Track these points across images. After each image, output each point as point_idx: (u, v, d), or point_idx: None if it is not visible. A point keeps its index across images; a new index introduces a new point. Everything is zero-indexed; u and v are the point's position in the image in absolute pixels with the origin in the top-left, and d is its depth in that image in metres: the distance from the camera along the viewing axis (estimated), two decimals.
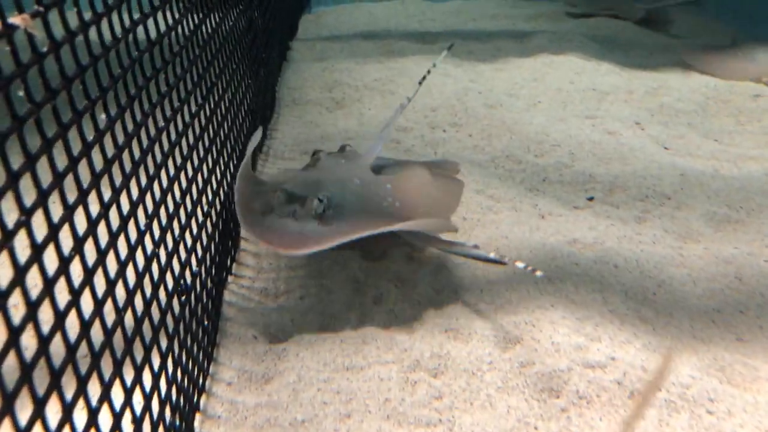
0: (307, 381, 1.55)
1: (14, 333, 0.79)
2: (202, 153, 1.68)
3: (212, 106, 1.84)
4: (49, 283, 0.87)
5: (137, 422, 1.10)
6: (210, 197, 1.75)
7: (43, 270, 0.87)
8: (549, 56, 3.69)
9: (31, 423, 0.82)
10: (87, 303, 0.99)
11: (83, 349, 0.98)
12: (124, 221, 1.12)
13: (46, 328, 0.87)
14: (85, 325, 0.97)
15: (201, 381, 1.49)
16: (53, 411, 0.88)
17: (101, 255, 1.02)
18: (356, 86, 3.38)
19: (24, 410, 0.82)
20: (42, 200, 0.87)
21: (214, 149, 1.81)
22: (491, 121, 2.93)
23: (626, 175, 2.50)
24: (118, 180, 1.11)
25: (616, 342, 1.63)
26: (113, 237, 1.07)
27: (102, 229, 1.05)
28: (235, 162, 2.10)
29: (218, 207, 1.84)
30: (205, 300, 1.59)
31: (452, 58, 3.72)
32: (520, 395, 1.49)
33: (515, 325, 1.69)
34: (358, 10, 4.70)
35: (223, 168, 1.95)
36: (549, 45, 3.88)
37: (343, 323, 1.76)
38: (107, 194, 1.08)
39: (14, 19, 0.92)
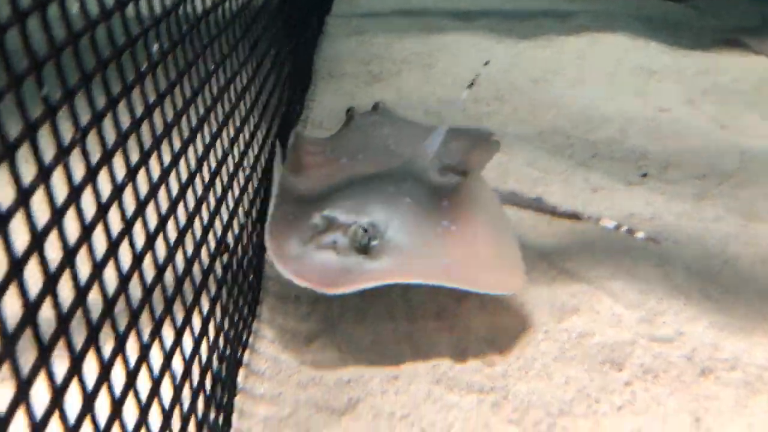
0: (352, 342, 1.47)
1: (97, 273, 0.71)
2: (247, 107, 1.60)
3: (255, 66, 1.76)
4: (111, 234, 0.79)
5: (187, 364, 1.03)
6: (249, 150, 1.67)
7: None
8: (593, 35, 3.55)
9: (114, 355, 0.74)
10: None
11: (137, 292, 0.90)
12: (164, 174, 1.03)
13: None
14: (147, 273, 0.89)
15: (245, 335, 1.42)
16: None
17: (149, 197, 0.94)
18: (394, 60, 3.28)
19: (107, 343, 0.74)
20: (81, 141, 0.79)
21: (259, 104, 1.73)
22: (536, 96, 2.82)
23: (682, 152, 2.37)
24: (160, 129, 1.03)
25: (682, 318, 1.52)
26: (163, 176, 0.98)
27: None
28: (278, 120, 2.02)
29: (258, 164, 1.76)
30: (249, 253, 1.51)
31: (493, 35, 3.60)
32: (579, 366, 1.39)
33: (572, 295, 1.59)
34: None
35: (267, 126, 1.87)
36: (592, 24, 3.74)
37: (389, 291, 1.67)
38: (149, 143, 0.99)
39: None
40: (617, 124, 2.57)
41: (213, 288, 1.23)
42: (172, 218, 1.03)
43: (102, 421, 0.80)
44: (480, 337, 1.48)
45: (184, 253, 1.08)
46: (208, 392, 1.13)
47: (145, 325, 0.92)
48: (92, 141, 0.81)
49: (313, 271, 1.37)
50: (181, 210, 1.07)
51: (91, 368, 0.77)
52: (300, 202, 1.59)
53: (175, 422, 0.99)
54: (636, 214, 1.94)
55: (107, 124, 0.84)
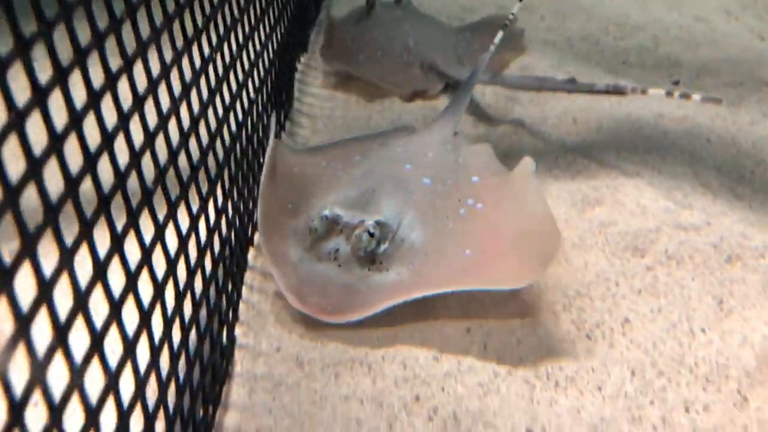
0: None
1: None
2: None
3: None
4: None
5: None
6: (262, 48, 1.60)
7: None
8: None
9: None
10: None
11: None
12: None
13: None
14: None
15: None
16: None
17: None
18: None
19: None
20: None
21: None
22: (564, 2, 2.68)
23: (717, 61, 2.24)
24: None
25: (710, 212, 1.45)
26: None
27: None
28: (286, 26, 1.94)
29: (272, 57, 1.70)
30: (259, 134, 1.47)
31: None
32: (599, 253, 1.34)
33: (595, 188, 1.53)
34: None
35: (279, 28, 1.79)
36: None
37: None
38: None
39: None
40: (650, 32, 2.44)
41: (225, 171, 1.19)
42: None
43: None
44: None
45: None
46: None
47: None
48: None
49: (312, 293, 1.14)
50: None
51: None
52: (299, 186, 1.33)
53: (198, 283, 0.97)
54: (666, 114, 1.85)
55: None
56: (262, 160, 1.47)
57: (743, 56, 2.26)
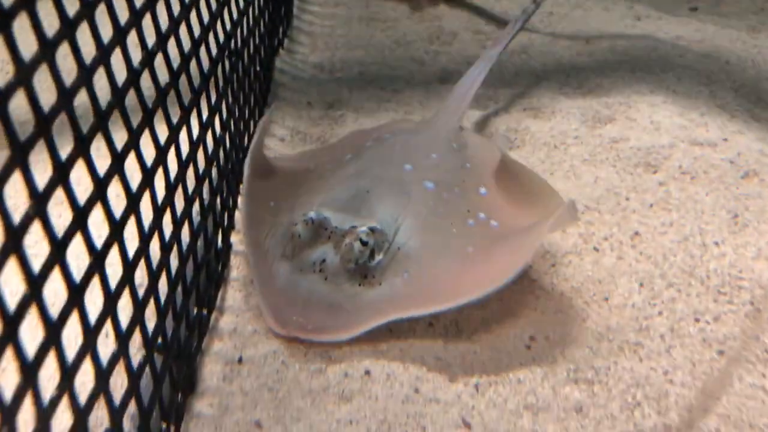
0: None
1: None
2: None
3: None
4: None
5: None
6: None
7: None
8: None
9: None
10: None
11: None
12: None
13: None
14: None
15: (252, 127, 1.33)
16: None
17: None
18: None
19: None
20: None
21: None
22: None
23: None
24: None
25: (727, 131, 1.39)
26: None
27: None
28: None
29: None
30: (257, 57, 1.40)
31: None
32: (610, 168, 1.29)
33: (607, 105, 1.47)
34: None
35: None
36: None
37: (407, 97, 1.56)
38: None
39: None
40: None
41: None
42: None
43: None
44: (506, 138, 1.38)
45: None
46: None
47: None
48: None
49: (293, 312, 0.96)
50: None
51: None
52: (284, 181, 1.14)
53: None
54: (684, 37, 1.77)
55: None
56: (257, 69, 1.41)
57: None
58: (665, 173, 1.26)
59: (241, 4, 1.31)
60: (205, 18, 1.06)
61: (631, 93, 1.51)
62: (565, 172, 1.28)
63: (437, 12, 1.93)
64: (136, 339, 0.76)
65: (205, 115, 1.04)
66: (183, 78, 0.95)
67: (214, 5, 1.12)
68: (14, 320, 0.55)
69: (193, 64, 0.99)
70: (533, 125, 1.42)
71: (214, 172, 1.08)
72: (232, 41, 1.20)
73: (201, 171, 1.02)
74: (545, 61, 1.68)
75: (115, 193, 0.73)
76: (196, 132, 1.00)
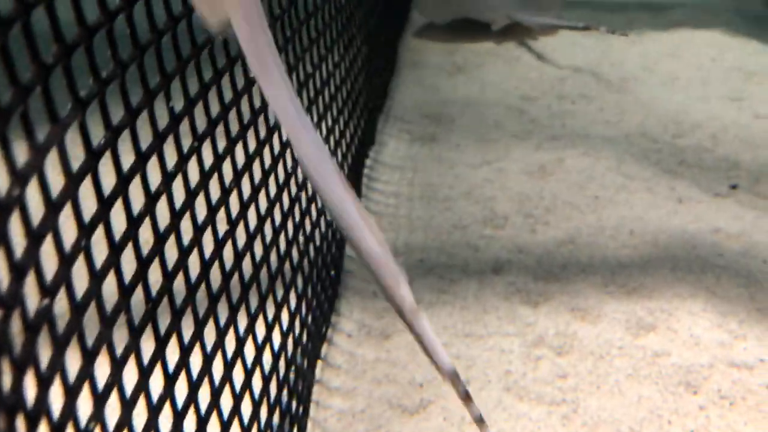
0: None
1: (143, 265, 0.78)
2: (326, 103, 1.66)
3: (337, 58, 1.82)
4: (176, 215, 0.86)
5: (275, 357, 1.11)
6: (340, 138, 1.73)
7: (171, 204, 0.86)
8: (688, 31, 3.41)
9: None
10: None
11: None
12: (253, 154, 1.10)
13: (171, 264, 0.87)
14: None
15: (324, 328, 1.50)
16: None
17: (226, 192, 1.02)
18: (478, 51, 3.27)
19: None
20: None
21: (339, 97, 1.78)
22: (624, 96, 2.76)
23: None
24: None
25: (765, 343, 1.49)
26: (237, 177, 1.05)
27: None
28: (362, 119, 2.08)
29: (348, 153, 1.83)
30: (332, 247, 1.59)
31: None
32: (653, 386, 1.40)
33: (649, 311, 1.59)
34: None
35: (352, 123, 1.93)
36: (688, 19, 3.58)
37: (463, 289, 1.71)
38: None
39: None
40: (708, 130, 2.48)
41: (299, 282, 1.31)
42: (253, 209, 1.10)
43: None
44: (553, 346, 1.51)
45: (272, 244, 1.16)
46: (291, 384, 1.22)
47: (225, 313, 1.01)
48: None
49: None
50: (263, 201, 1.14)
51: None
52: None
53: (263, 411, 1.08)
54: (722, 229, 1.90)
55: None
56: (332, 272, 1.59)
57: None
58: (705, 396, 1.36)
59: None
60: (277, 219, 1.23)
61: (672, 296, 1.63)
62: (611, 387, 1.40)
63: (491, 192, 2.12)
64: None
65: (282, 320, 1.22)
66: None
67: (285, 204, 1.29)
68: None
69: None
70: (580, 330, 1.55)
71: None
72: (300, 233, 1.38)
73: (291, 385, 1.18)
74: (592, 253, 1.82)
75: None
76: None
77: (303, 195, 1.33)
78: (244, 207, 1.04)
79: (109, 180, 0.74)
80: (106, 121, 0.73)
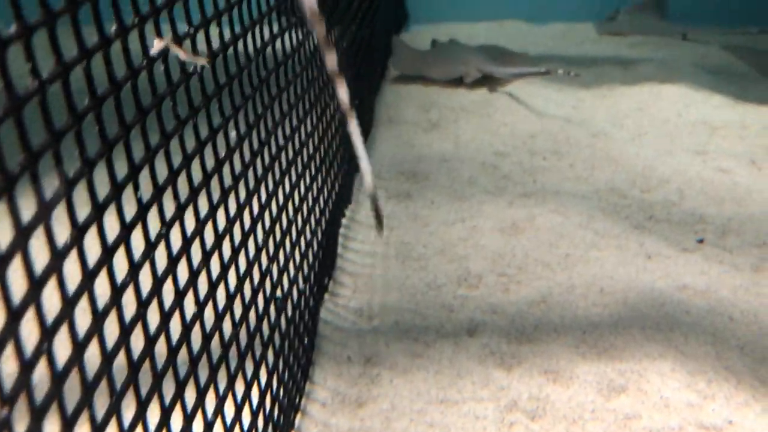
0: (400, 410, 1.53)
1: (125, 332, 0.81)
2: (304, 164, 1.69)
3: (314, 121, 1.86)
4: (158, 283, 0.89)
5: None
6: (313, 205, 1.77)
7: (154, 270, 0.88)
8: (656, 85, 3.54)
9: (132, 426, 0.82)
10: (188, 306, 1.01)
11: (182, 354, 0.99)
12: (229, 223, 1.13)
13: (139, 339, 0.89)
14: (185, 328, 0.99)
15: (297, 398, 1.50)
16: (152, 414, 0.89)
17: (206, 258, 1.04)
18: (453, 108, 3.36)
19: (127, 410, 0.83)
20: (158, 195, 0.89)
21: (317, 159, 1.82)
22: (594, 151, 2.84)
23: (741, 218, 2.35)
24: (226, 180, 1.14)
25: (733, 403, 1.52)
26: (219, 239, 1.08)
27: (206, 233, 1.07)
28: (337, 182, 2.12)
29: (322, 217, 1.86)
30: (305, 315, 1.60)
31: (554, 83, 3.64)
32: None
33: (620, 373, 1.61)
34: (456, 30, 4.67)
35: (329, 183, 1.97)
36: (656, 73, 3.72)
37: (438, 353, 1.73)
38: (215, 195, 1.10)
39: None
40: (675, 185, 2.56)
41: (270, 354, 1.32)
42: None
43: None
44: (527, 411, 1.52)
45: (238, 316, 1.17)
46: None
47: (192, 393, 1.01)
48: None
49: None
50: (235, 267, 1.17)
51: None
52: None
53: None
54: (689, 286, 1.94)
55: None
56: (306, 340, 1.60)
57: (766, 213, 2.36)
58: None
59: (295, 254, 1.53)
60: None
61: (642, 357, 1.66)
62: None
63: (465, 250, 2.15)
64: None
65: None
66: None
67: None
68: None
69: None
70: (553, 393, 1.56)
71: None
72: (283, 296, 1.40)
73: None
74: (563, 313, 1.85)
75: None
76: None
77: (274, 266, 1.35)
78: (213, 286, 1.06)
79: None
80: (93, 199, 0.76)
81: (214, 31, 1.15)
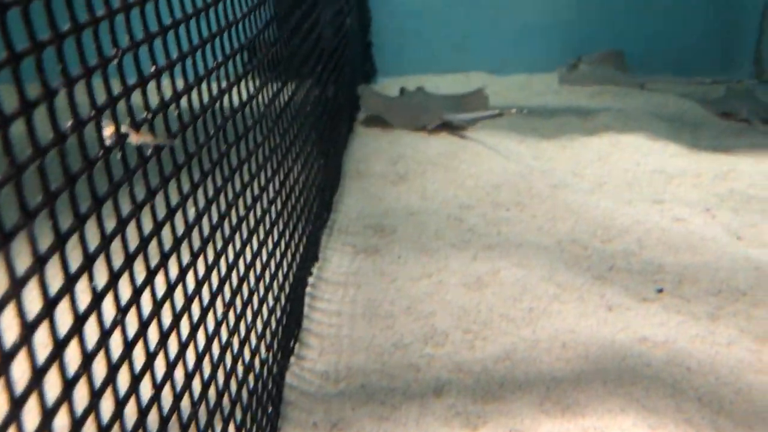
0: None
1: (95, 396, 0.82)
2: (268, 228, 1.71)
3: (281, 182, 1.89)
4: (112, 368, 0.90)
5: None
6: (276, 271, 1.78)
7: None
8: (614, 135, 3.66)
9: None
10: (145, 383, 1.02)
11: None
12: (188, 300, 1.15)
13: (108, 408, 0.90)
14: (144, 407, 0.99)
15: None
16: None
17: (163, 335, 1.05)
18: (420, 161, 3.43)
19: None
20: (129, 265, 0.91)
21: (281, 223, 1.85)
22: (556, 202, 2.91)
23: (697, 266, 2.42)
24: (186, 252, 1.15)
25: None
26: (176, 318, 1.10)
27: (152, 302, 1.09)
28: (303, 242, 2.15)
29: (286, 282, 1.88)
30: (269, 384, 1.60)
31: (517, 134, 3.75)
32: None
33: (583, 429, 1.63)
34: (423, 81, 4.80)
35: (293, 246, 1.99)
36: (614, 123, 3.86)
37: (405, 415, 1.73)
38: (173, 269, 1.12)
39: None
40: (634, 235, 2.63)
41: (232, 429, 1.32)
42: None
43: None
44: None
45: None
46: None
47: None
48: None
49: None
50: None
51: None
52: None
53: None
54: (649, 338, 1.99)
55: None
56: (270, 410, 1.60)
57: (720, 262, 2.44)
58: None
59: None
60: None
61: (604, 412, 1.69)
62: None
63: (431, 307, 2.18)
64: None
65: None
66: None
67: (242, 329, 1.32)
68: None
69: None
70: None
71: None
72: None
73: None
74: (528, 369, 1.87)
75: None
76: None
77: (234, 339, 1.36)
78: (171, 366, 1.07)
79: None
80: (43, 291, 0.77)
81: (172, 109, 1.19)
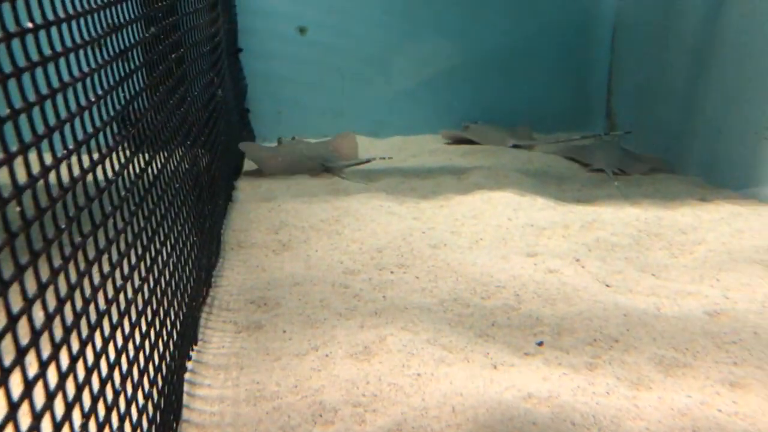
0: None
1: None
2: (134, 321, 1.60)
3: (147, 267, 1.78)
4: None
5: None
6: (146, 365, 1.64)
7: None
8: (486, 192, 3.83)
9: None
10: None
11: None
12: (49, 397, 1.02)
13: None
14: None
15: None
16: None
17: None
18: (302, 227, 3.39)
19: None
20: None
21: (149, 313, 1.73)
22: (436, 262, 2.97)
23: (572, 316, 2.53)
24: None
25: None
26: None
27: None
28: (178, 327, 2.01)
29: (158, 375, 1.73)
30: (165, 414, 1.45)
31: (396, 196, 3.82)
32: None
33: None
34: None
35: (165, 334, 1.86)
36: (486, 181, 4.04)
37: None
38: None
39: None
40: (512, 289, 2.72)
41: None
42: None
43: None
44: None
45: None
46: None
47: None
48: None
49: None
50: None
51: None
52: None
53: None
54: (533, 394, 2.03)
55: None
56: None
57: (593, 311, 2.57)
58: None
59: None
60: None
61: None
62: None
63: (318, 383, 2.10)
64: None
65: None
66: None
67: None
68: None
69: None
70: None
71: None
72: None
73: None
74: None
75: None
76: None
77: (128, 383, 1.22)
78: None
79: None
80: None
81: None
